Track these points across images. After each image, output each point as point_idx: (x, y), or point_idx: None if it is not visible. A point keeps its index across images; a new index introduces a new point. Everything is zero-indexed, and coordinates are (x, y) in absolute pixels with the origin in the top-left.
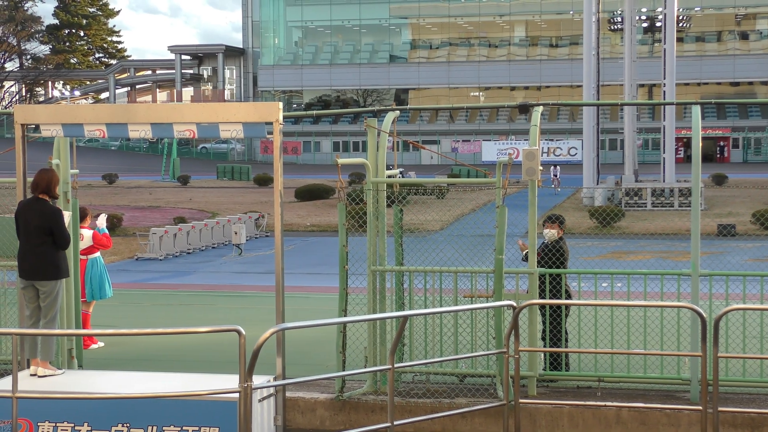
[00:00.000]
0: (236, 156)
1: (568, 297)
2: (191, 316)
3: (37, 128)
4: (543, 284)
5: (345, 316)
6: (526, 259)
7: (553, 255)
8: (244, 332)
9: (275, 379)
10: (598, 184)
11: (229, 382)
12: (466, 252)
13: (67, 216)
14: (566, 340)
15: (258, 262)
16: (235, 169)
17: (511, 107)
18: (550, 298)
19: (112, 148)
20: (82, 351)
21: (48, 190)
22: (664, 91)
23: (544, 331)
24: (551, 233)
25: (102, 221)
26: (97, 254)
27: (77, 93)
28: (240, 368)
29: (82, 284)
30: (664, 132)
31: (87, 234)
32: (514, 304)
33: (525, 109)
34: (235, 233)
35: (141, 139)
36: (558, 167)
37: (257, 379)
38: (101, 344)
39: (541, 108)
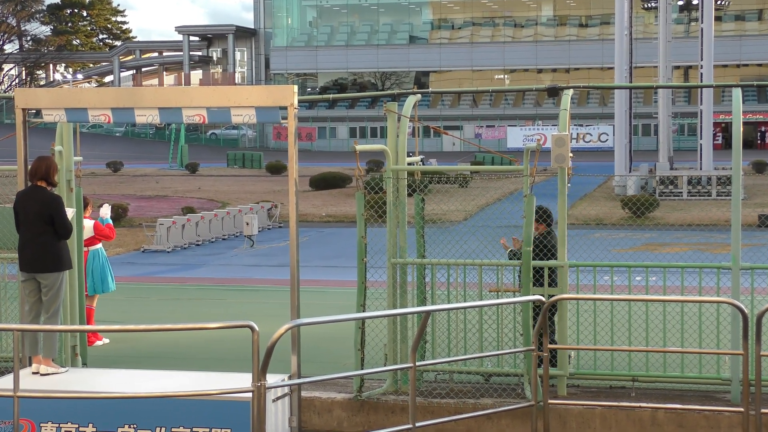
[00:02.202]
0: (247, 143)
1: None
2: (201, 311)
3: (38, 113)
4: (534, 277)
5: (363, 311)
6: (512, 257)
7: (539, 251)
8: (257, 328)
9: (290, 377)
10: (630, 171)
11: (242, 381)
12: (492, 244)
13: (70, 212)
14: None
15: (271, 255)
16: (246, 156)
17: (539, 90)
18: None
19: (117, 134)
20: (87, 348)
21: (46, 177)
22: (701, 73)
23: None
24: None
25: (106, 211)
26: (99, 246)
27: (80, 76)
28: (253, 366)
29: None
30: (701, 116)
31: (88, 224)
32: (543, 299)
33: (554, 92)
34: (247, 224)
35: (148, 124)
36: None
37: (271, 378)
38: (106, 341)
39: (570, 91)
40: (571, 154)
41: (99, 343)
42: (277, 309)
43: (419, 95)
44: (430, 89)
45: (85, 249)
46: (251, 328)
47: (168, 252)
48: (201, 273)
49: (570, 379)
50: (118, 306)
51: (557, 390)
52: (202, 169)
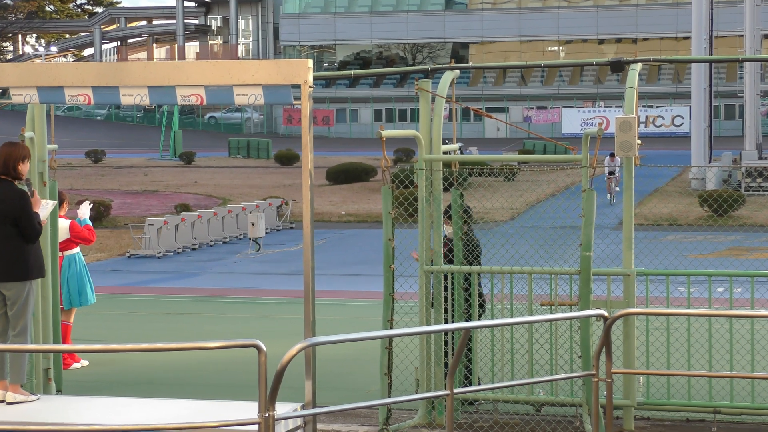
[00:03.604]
0: (253, 128)
1: (481, 302)
2: (198, 328)
3: (5, 92)
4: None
5: (391, 328)
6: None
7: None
8: (264, 348)
9: (303, 407)
10: (710, 162)
11: (247, 410)
12: (544, 248)
13: (51, 205)
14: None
15: (281, 261)
16: (251, 144)
17: (600, 65)
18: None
19: (98, 117)
20: (62, 371)
21: (7, 169)
22: None
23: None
24: (447, 229)
25: (84, 210)
26: (76, 250)
27: (54, 49)
28: (260, 393)
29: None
30: None
31: (63, 225)
32: (606, 314)
33: (618, 67)
34: (252, 224)
35: (135, 106)
36: (619, 158)
37: (281, 407)
38: (85, 363)
39: (638, 66)
40: (639, 141)
41: (76, 365)
42: (289, 325)
43: (457, 71)
44: (470, 64)
45: (60, 254)
46: (258, 347)
47: (158, 258)
48: (198, 282)
49: (638, 410)
50: (99, 322)
51: (623, 423)
52: (199, 160)
